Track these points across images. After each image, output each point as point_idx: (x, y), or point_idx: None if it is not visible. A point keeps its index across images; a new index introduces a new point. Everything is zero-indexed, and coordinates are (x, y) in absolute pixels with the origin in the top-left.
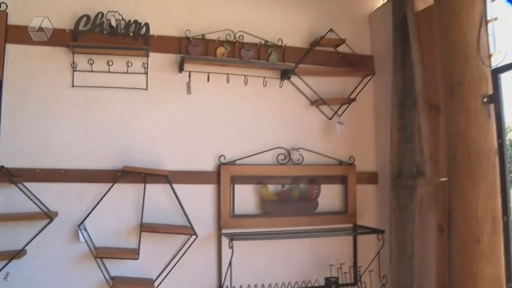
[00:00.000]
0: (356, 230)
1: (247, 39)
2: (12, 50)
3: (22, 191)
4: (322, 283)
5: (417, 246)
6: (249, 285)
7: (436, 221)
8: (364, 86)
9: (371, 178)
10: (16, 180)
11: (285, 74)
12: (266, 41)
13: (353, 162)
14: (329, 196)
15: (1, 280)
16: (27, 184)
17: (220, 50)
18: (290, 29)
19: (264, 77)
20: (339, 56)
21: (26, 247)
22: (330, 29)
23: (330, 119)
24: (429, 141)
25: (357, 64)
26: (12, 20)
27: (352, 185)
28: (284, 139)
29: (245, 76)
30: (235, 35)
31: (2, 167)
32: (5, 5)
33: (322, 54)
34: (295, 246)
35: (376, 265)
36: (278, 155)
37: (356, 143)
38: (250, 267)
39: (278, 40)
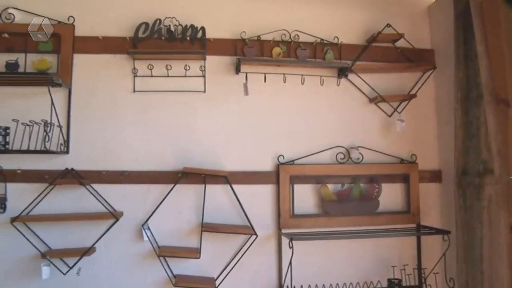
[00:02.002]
0: (420, 231)
1: (303, 38)
2: (79, 60)
3: (90, 192)
4: (385, 284)
5: (486, 249)
6: (309, 285)
7: (507, 222)
8: (424, 81)
9: (434, 176)
10: (84, 182)
11: (342, 72)
12: (321, 39)
13: (415, 160)
14: (390, 195)
15: (74, 275)
16: (94, 186)
17: (276, 50)
18: (346, 26)
19: (321, 76)
20: (397, 51)
21: (95, 245)
22: (387, 24)
23: (390, 116)
24: (496, 136)
25: (417, 59)
26: (78, 31)
27: (415, 184)
28: (343, 138)
29: (302, 75)
30: (290, 35)
31: (72, 169)
32: (72, 18)
33: (380, 50)
34: (355, 246)
35: (442, 267)
36: (337, 154)
37: (417, 141)
38: (309, 267)
39: (334, 38)
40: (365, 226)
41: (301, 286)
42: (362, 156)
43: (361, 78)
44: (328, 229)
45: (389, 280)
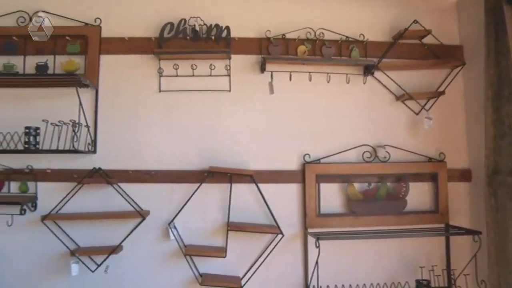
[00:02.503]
0: (449, 231)
1: (328, 36)
2: (105, 60)
3: (117, 191)
4: (413, 285)
5: None
6: (336, 285)
7: None
8: (453, 78)
9: (464, 175)
10: (112, 181)
11: (368, 70)
12: (347, 37)
13: (444, 159)
14: (418, 195)
15: (102, 272)
16: (121, 185)
17: (301, 48)
18: (371, 23)
19: (347, 74)
20: (424, 48)
21: (122, 243)
22: (414, 20)
23: (417, 114)
24: None
25: (445, 55)
26: (105, 33)
27: (443, 183)
28: (369, 136)
29: (327, 73)
30: (315, 33)
31: (100, 169)
32: (99, 20)
33: (406, 47)
34: (382, 246)
35: (473, 269)
36: (364, 152)
37: (446, 139)
38: (335, 267)
39: (360, 35)
40: (392, 226)
41: (327, 286)
42: (389, 154)
43: (388, 76)
44: (355, 229)
45: (417, 281)
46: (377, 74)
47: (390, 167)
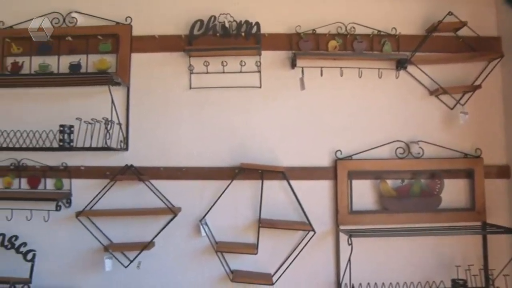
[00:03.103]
0: (486, 229)
1: (359, 30)
2: (136, 58)
3: (149, 188)
4: (448, 285)
5: None
6: (368, 284)
7: None
8: (490, 71)
9: (502, 171)
10: (143, 178)
11: (400, 64)
12: (378, 31)
13: (480, 155)
14: (453, 192)
15: (135, 268)
16: (153, 182)
17: (332, 43)
18: (404, 16)
19: (379, 69)
20: (459, 40)
21: (154, 240)
22: (449, 12)
23: (452, 109)
24: None
25: (482, 48)
26: (135, 31)
27: (480, 180)
28: (402, 132)
29: (359, 68)
30: (346, 27)
31: (131, 166)
32: (130, 18)
33: (440, 40)
34: (416, 244)
35: None
36: (397, 148)
37: (482, 134)
38: (367, 265)
39: (392, 29)
40: (426, 224)
41: (360, 284)
42: (423, 150)
43: (421, 70)
44: (387, 226)
45: (453, 281)
46: (410, 68)
47: (424, 163)
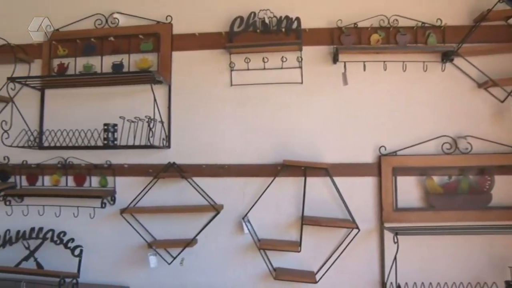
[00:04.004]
0: None
1: (402, 22)
2: (177, 57)
3: (192, 185)
4: (501, 287)
5: None
6: (415, 283)
7: None
8: None
9: None
10: (186, 175)
11: (446, 57)
12: (423, 22)
13: None
14: (504, 189)
15: (178, 265)
16: (195, 179)
17: (374, 37)
18: (449, 7)
19: (424, 62)
20: (511, 29)
21: (197, 237)
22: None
23: (502, 102)
24: None
25: None
26: (176, 29)
27: None
28: (449, 127)
29: (403, 62)
30: (389, 20)
31: (174, 163)
32: (170, 17)
33: (490, 30)
34: (464, 243)
35: None
36: (443, 144)
37: None
38: (413, 264)
39: (436, 20)
40: (475, 222)
41: (406, 283)
42: (471, 146)
43: (469, 62)
44: (434, 224)
45: (507, 283)
46: (457, 60)
47: (473, 159)
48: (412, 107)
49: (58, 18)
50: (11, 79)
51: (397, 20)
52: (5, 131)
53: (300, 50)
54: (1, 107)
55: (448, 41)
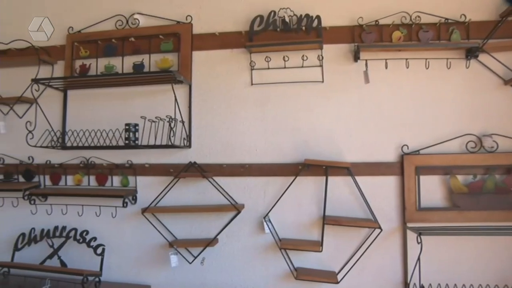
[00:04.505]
0: None
1: (425, 19)
2: (197, 56)
3: (212, 184)
4: None
5: None
6: (439, 285)
7: None
8: None
9: None
10: (207, 175)
11: (471, 53)
12: (446, 18)
13: None
14: None
15: (199, 264)
16: (216, 178)
17: (396, 34)
18: (473, 2)
19: (447, 59)
20: None
21: (218, 236)
22: None
23: None
24: None
25: None
26: (196, 29)
27: None
28: (474, 125)
29: (426, 59)
30: (411, 17)
31: (195, 163)
32: (190, 17)
33: None
34: (490, 244)
35: None
36: (468, 142)
37: None
38: (437, 264)
39: (460, 16)
40: (501, 222)
41: (430, 284)
42: (497, 144)
43: (495, 58)
44: (458, 224)
45: None
46: (482, 57)
47: (499, 157)
48: (435, 105)
49: (80, 19)
50: (35, 81)
51: (419, 16)
52: (30, 132)
53: (321, 48)
54: (25, 108)
55: (472, 37)
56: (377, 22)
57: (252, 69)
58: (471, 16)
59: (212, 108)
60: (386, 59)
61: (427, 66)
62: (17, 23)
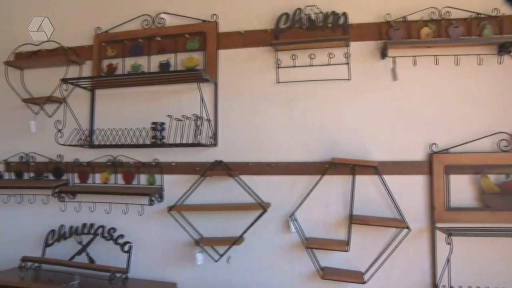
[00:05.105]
0: None
1: (455, 14)
2: (223, 55)
3: (238, 183)
4: None
5: None
6: (469, 287)
7: None
8: None
9: None
10: (233, 174)
11: (504, 49)
12: (477, 13)
13: None
14: None
15: (224, 262)
16: (242, 177)
17: (425, 30)
18: None
19: (478, 55)
20: None
21: (244, 235)
22: None
23: None
24: None
25: None
26: (222, 28)
27: None
28: (507, 123)
29: (456, 55)
30: (440, 12)
31: (221, 161)
32: (216, 16)
33: None
34: None
35: None
36: (500, 141)
37: None
38: (467, 266)
39: (492, 10)
40: None
41: (460, 287)
42: None
43: None
44: (490, 225)
45: None
46: None
47: None
48: (465, 103)
49: (107, 20)
50: (64, 81)
51: (449, 12)
52: (59, 130)
53: (348, 46)
54: (55, 108)
55: (506, 31)
56: (405, 18)
57: (278, 67)
58: (504, 10)
59: (238, 106)
60: (414, 56)
61: (457, 63)
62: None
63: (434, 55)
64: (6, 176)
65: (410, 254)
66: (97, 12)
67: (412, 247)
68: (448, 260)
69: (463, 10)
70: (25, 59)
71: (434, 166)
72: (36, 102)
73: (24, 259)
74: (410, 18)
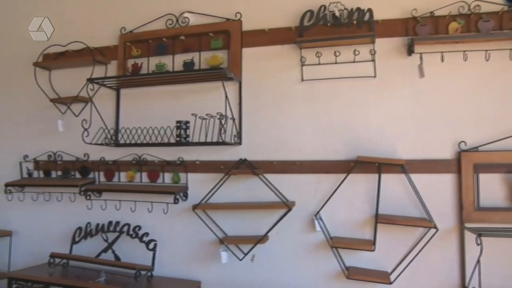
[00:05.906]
0: None
1: (485, 8)
2: (247, 53)
3: (263, 181)
4: None
5: None
6: None
7: None
8: None
9: None
10: (257, 172)
11: None
12: (509, 6)
13: None
14: None
15: (249, 261)
16: (266, 175)
17: (453, 25)
18: None
19: (510, 49)
20: None
21: (268, 233)
22: None
23: None
24: None
25: None
26: (245, 26)
27: None
28: None
29: (486, 51)
30: (469, 6)
31: (245, 160)
32: (239, 14)
33: None
34: None
35: None
36: None
37: None
38: (498, 268)
39: None
40: None
41: None
42: None
43: None
44: None
45: None
46: None
47: None
48: (496, 99)
49: (131, 20)
50: (90, 80)
51: (478, 5)
52: (85, 130)
53: (373, 42)
54: (81, 107)
55: None
56: (432, 14)
57: (302, 65)
58: None
59: (263, 104)
60: (442, 52)
61: (487, 58)
62: (73, 25)
63: (463, 51)
64: (35, 174)
65: (438, 255)
66: (121, 13)
67: (439, 247)
68: (478, 261)
69: (494, 3)
70: (53, 60)
71: (462, 164)
72: (63, 102)
73: (53, 255)
74: (437, 13)
